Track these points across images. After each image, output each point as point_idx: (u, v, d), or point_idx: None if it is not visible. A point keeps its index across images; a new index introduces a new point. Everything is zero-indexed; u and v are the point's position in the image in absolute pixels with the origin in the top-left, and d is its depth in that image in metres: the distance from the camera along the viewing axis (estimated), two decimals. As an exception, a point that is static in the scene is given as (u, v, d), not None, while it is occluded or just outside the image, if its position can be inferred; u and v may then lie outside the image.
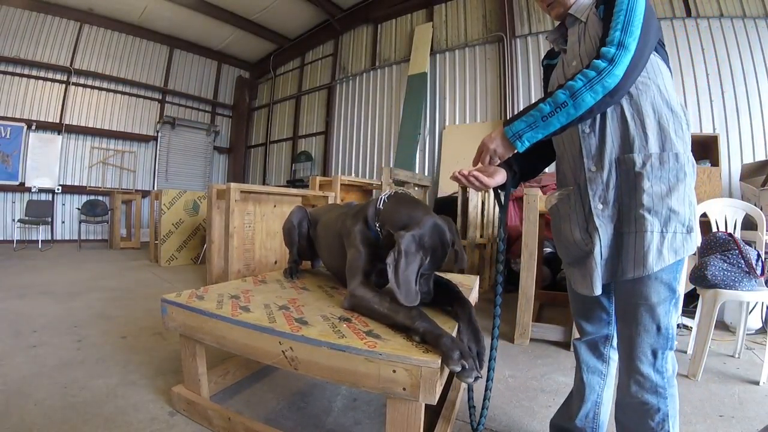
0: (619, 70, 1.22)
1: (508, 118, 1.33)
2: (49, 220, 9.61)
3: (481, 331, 1.64)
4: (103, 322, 3.56)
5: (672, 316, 1.36)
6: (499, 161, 1.44)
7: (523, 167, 1.70)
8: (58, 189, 9.93)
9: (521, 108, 7.40)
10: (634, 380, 1.40)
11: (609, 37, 1.26)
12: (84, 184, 10.47)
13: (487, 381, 1.74)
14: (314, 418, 2.12)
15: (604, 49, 1.24)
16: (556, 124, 1.28)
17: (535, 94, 7.39)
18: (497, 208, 1.82)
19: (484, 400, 1.74)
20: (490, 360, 1.74)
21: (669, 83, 1.38)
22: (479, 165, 1.52)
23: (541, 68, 1.81)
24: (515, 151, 1.41)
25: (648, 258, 1.31)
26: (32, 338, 3.08)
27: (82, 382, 2.38)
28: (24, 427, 1.89)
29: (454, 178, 1.58)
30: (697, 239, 1.36)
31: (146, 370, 2.59)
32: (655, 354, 1.36)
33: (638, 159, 1.34)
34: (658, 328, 1.35)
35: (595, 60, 1.24)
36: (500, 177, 1.62)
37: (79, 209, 9.77)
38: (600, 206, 1.40)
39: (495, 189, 1.69)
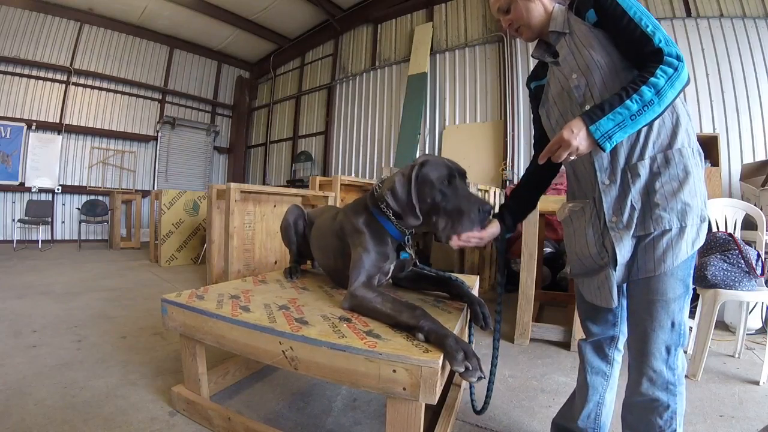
0: (685, 63, 1.23)
1: (588, 110, 1.29)
2: (49, 220, 9.63)
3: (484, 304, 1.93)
4: (103, 322, 3.55)
5: (685, 312, 1.38)
6: (572, 154, 1.34)
7: (516, 214, 1.79)
8: (58, 189, 9.96)
9: (520, 108, 7.46)
10: (647, 377, 1.40)
11: (655, 37, 1.26)
12: (84, 184, 10.51)
13: (492, 368, 1.81)
14: (314, 418, 2.12)
15: (665, 47, 1.24)
16: (642, 123, 1.25)
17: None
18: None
19: (489, 383, 1.80)
20: (494, 348, 1.83)
21: None
22: (472, 235, 1.66)
23: (528, 90, 1.82)
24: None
25: (667, 255, 1.32)
26: (32, 338, 3.08)
27: (82, 382, 2.38)
28: (24, 427, 1.89)
29: (456, 246, 1.70)
30: (707, 228, 1.36)
31: (146, 370, 2.59)
32: (668, 350, 1.37)
33: (647, 163, 1.36)
34: (673, 324, 1.36)
35: (666, 57, 1.23)
36: (494, 228, 1.71)
37: (79, 209, 9.79)
38: (614, 218, 1.41)
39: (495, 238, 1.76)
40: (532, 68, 1.78)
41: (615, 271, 1.41)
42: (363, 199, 2.10)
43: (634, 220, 1.37)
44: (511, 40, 7.79)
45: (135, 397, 2.24)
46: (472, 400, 1.99)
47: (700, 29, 6.40)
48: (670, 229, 1.32)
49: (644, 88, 1.21)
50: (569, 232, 1.64)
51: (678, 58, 1.21)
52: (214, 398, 2.17)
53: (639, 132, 1.35)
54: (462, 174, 1.82)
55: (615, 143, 1.26)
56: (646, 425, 1.42)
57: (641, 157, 1.36)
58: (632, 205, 1.37)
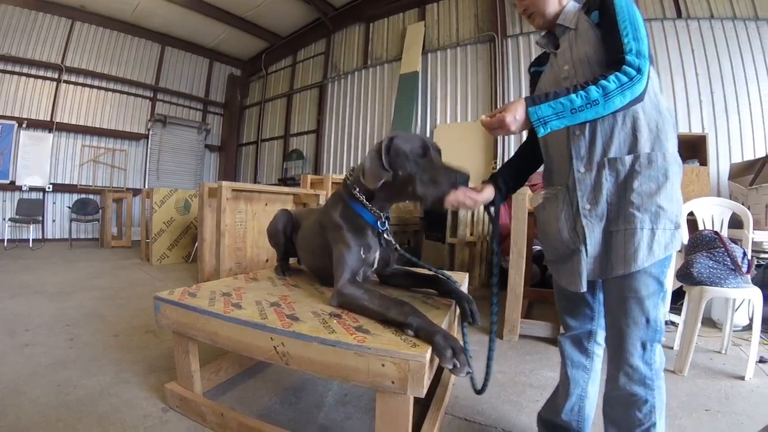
0: (645, 79, 1.28)
1: (535, 95, 1.35)
2: (40, 218, 9.58)
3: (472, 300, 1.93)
4: (96, 321, 3.57)
5: (660, 309, 1.41)
6: (506, 134, 1.41)
7: (509, 183, 1.79)
8: (48, 187, 9.90)
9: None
10: (624, 372, 1.44)
11: (627, 46, 1.30)
12: (75, 183, 10.45)
13: (489, 351, 1.79)
14: (306, 413, 2.15)
15: (630, 57, 1.29)
16: (582, 119, 1.30)
17: (525, 94, 7.39)
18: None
19: (487, 367, 1.78)
20: (491, 333, 1.80)
21: (656, 86, 1.43)
22: (468, 195, 1.65)
23: (529, 74, 1.86)
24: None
25: (638, 254, 1.36)
26: (25, 337, 3.09)
27: (76, 380, 2.40)
28: (20, 426, 1.91)
29: (448, 205, 1.67)
30: (683, 236, 1.41)
31: (139, 368, 2.61)
32: (644, 346, 1.41)
33: (628, 160, 1.40)
34: (647, 321, 1.39)
35: (625, 67, 1.28)
36: (489, 192, 1.72)
37: (69, 208, 9.76)
38: (588, 206, 1.45)
39: (486, 206, 1.77)
40: (523, 67, 1.83)
41: (587, 255, 1.45)
42: (337, 190, 2.14)
43: (608, 214, 1.43)
44: (502, 40, 7.82)
45: (128, 394, 2.26)
46: (471, 382, 1.99)
47: (690, 30, 6.45)
48: (642, 229, 1.36)
49: (592, 88, 1.27)
50: (542, 219, 1.69)
51: (639, 70, 1.27)
52: (207, 395, 2.19)
53: (624, 128, 1.40)
54: (436, 148, 1.84)
55: (551, 129, 1.31)
56: (626, 419, 1.46)
57: (623, 152, 1.41)
58: (607, 197, 1.42)
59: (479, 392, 1.85)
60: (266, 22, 11.45)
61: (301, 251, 2.62)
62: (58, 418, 1.99)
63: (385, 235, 2.02)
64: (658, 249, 1.36)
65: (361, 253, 1.97)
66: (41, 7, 9.68)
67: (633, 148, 1.40)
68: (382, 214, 1.96)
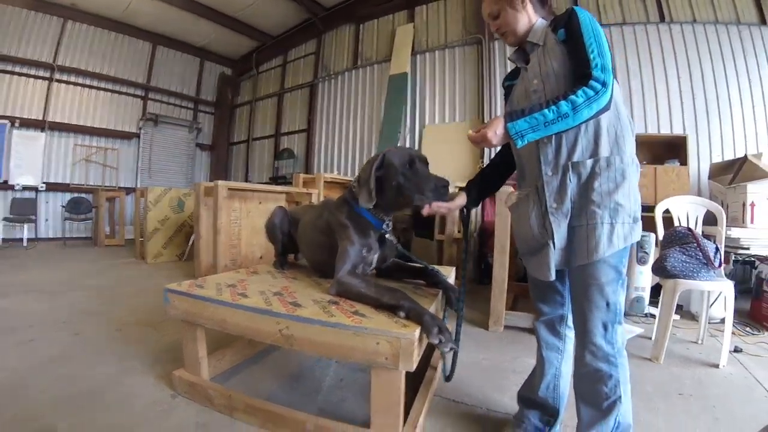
0: (609, 92, 1.43)
1: (511, 111, 1.50)
2: (34, 218, 9.58)
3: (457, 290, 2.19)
4: (97, 317, 3.64)
5: (619, 294, 1.58)
6: (488, 147, 1.58)
7: (482, 189, 2.04)
8: (41, 187, 9.89)
9: (497, 108, 7.62)
10: (589, 351, 1.60)
11: (593, 62, 1.45)
12: (67, 182, 10.44)
13: (457, 327, 2.05)
14: (305, 396, 2.29)
15: (596, 72, 1.43)
16: (555, 130, 1.45)
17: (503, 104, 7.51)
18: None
19: (454, 355, 2.01)
20: (457, 322, 2.05)
21: (618, 95, 1.58)
22: (441, 205, 1.92)
23: (503, 88, 2.03)
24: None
25: (600, 246, 1.52)
26: (29, 333, 3.15)
27: (84, 372, 2.50)
28: (30, 415, 2.00)
29: (426, 213, 1.94)
30: (640, 228, 1.58)
31: (144, 360, 2.71)
32: (605, 327, 1.57)
33: (589, 163, 1.56)
34: (608, 305, 1.56)
35: (591, 81, 1.42)
36: (461, 200, 1.98)
37: (63, 206, 9.76)
38: (555, 205, 1.61)
39: (461, 209, 2.03)
40: (510, 67, 1.98)
41: (554, 248, 1.61)
42: (343, 195, 2.33)
43: (572, 211, 1.59)
44: (489, 43, 7.95)
45: (136, 383, 2.38)
46: (443, 372, 2.16)
47: (673, 34, 6.60)
48: (602, 224, 1.52)
49: (563, 102, 1.42)
50: (516, 217, 1.87)
51: (604, 84, 1.42)
52: (212, 381, 2.30)
53: (587, 135, 1.56)
54: (423, 159, 2.08)
55: (528, 141, 1.47)
56: (595, 393, 1.61)
57: (585, 157, 1.57)
58: (571, 198, 1.58)
59: (447, 379, 2.07)
60: (257, 21, 11.50)
61: (303, 246, 2.78)
62: (69, 406, 2.09)
63: (387, 236, 2.23)
64: (618, 240, 1.52)
65: (363, 252, 2.16)
66: (33, 5, 9.66)
67: (594, 152, 1.56)
68: (385, 218, 2.19)
